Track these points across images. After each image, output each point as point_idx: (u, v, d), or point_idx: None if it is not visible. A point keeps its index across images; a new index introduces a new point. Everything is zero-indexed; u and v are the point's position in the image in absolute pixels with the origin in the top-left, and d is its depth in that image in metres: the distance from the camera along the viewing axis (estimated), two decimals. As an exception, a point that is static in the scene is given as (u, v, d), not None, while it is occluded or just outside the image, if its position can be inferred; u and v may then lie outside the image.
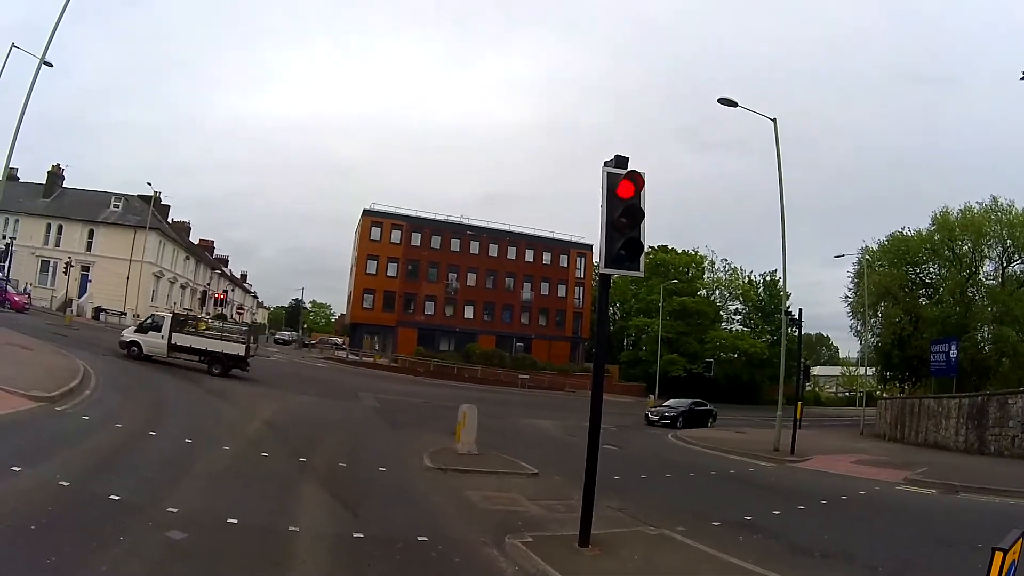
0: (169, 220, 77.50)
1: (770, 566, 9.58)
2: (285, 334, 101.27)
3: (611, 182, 9.78)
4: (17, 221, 62.04)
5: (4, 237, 58.04)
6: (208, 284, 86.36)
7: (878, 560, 10.91)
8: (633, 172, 9.75)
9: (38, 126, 77.18)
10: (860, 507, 16.75)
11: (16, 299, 49.46)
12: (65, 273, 60.12)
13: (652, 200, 9.96)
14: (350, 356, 74.20)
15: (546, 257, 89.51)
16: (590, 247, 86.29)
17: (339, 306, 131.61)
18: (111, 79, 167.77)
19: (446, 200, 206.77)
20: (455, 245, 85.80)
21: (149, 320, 35.65)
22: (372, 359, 72.55)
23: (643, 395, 62.25)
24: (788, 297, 39.09)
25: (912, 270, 54.93)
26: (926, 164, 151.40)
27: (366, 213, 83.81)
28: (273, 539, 9.17)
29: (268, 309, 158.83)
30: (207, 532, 9.06)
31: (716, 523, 13.00)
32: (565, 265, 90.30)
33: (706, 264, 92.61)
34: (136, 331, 34.94)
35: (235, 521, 9.59)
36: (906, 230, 55.19)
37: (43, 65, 26.89)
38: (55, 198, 66.35)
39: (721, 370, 72.10)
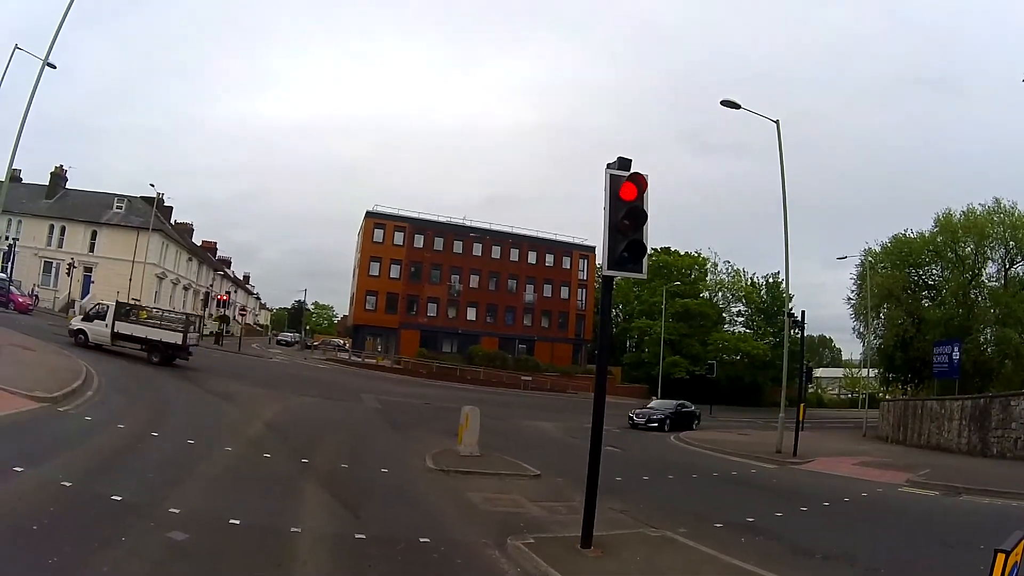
0: (172, 222, 77.47)
1: (772, 568, 9.59)
2: (287, 335, 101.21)
3: (614, 184, 9.78)
4: (20, 222, 61.96)
5: (7, 238, 58.04)
6: (211, 286, 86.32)
7: (880, 562, 10.91)
8: (636, 174, 9.75)
9: (42, 128, 77.56)
10: (862, 509, 16.73)
11: (20, 300, 49.40)
12: (68, 274, 60.12)
13: (655, 202, 9.97)
14: (352, 357, 74.11)
15: (549, 259, 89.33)
16: (593, 249, 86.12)
17: (342, 308, 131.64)
18: (114, 82, 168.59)
19: (449, 202, 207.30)
20: (458, 247, 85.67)
21: (94, 309, 36.25)
22: (374, 360, 72.49)
23: (646, 397, 62.21)
24: (791, 299, 39.14)
25: (915, 272, 54.78)
26: (929, 167, 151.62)
27: (369, 215, 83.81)
28: (275, 540, 9.18)
29: (271, 311, 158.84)
30: (209, 533, 9.07)
31: (718, 525, 12.99)
32: (568, 267, 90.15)
33: (709, 266, 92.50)
34: (83, 320, 35.52)
35: (237, 522, 9.59)
36: (909, 232, 55.08)
37: (46, 67, 26.88)
38: (58, 199, 66.39)
39: (724, 372, 71.79)
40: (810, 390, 66.33)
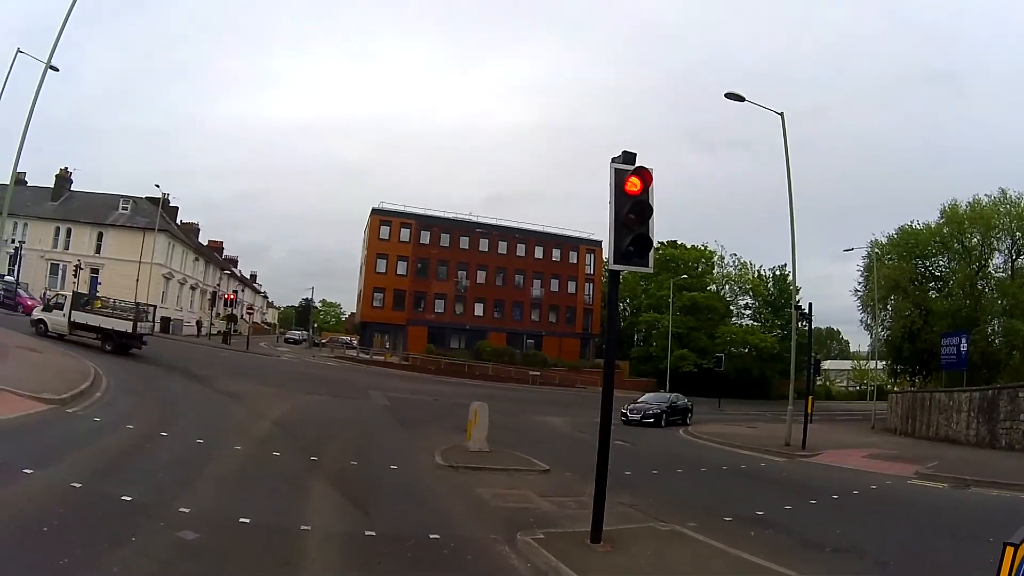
0: (178, 222, 77.49)
1: (781, 561, 9.56)
2: (295, 333, 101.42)
3: (619, 178, 9.74)
4: (26, 225, 62.07)
5: (13, 241, 58.15)
6: (218, 285, 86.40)
7: (889, 554, 10.89)
8: (641, 168, 9.72)
9: (46, 131, 77.13)
10: (871, 501, 16.72)
11: (29, 303, 49.52)
12: (74, 276, 60.13)
13: (660, 197, 9.95)
14: (360, 355, 74.38)
15: (555, 254, 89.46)
16: (599, 243, 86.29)
17: (349, 305, 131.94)
18: (118, 84, 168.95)
19: (454, 200, 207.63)
20: (464, 243, 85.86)
21: (54, 300, 37.15)
22: (383, 358, 72.73)
23: (654, 390, 62.24)
24: (798, 291, 39.14)
25: (921, 263, 54.60)
26: (932, 164, 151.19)
27: (375, 212, 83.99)
28: (284, 538, 9.19)
29: (278, 309, 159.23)
30: (219, 532, 9.08)
31: (727, 518, 12.99)
32: (575, 261, 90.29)
33: (716, 259, 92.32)
34: (43, 310, 36.58)
35: (247, 521, 9.61)
36: (915, 223, 54.90)
37: (49, 69, 26.91)
38: (63, 201, 66.49)
39: (732, 365, 71.64)
40: (818, 382, 65.99)
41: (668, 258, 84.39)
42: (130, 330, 35.08)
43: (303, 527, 9.75)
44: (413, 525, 10.74)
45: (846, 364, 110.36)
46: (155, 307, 41.62)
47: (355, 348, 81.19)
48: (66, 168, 68.34)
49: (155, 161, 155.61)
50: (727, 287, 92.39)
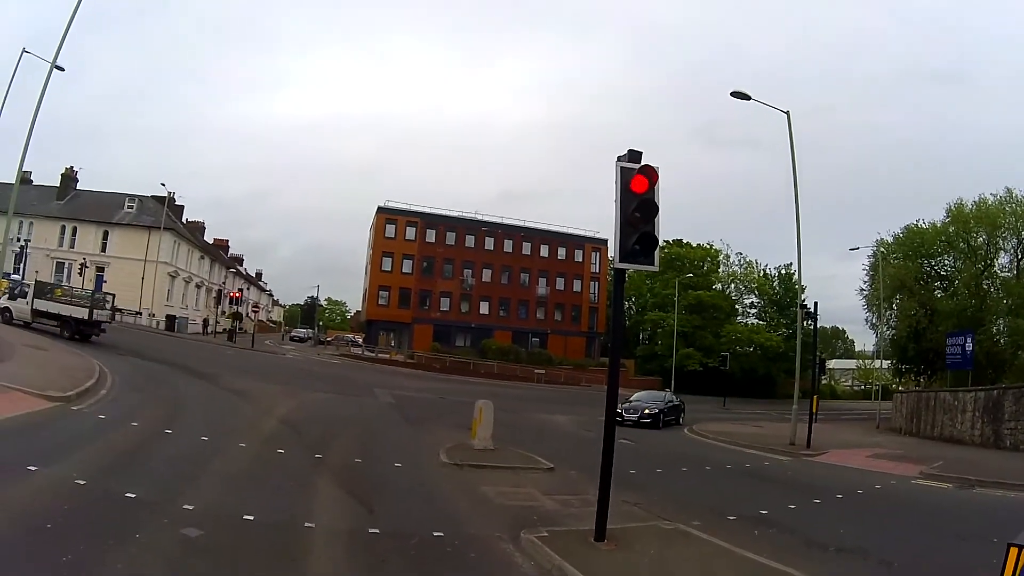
0: (183, 220, 77.74)
1: (785, 560, 9.55)
2: (301, 331, 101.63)
3: (625, 177, 9.74)
4: (31, 224, 62.38)
5: (19, 239, 58.29)
6: (223, 283, 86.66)
7: (893, 555, 10.86)
8: (647, 166, 9.71)
9: (54, 131, 77.47)
10: (876, 501, 16.70)
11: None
12: (80, 274, 60.21)
13: (666, 195, 9.91)
14: (366, 353, 74.42)
15: (561, 252, 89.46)
16: (605, 242, 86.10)
17: (355, 303, 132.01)
18: (130, 86, 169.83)
19: (461, 198, 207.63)
20: (470, 241, 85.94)
21: (18, 289, 38.44)
22: (388, 355, 72.84)
23: (659, 389, 62.18)
24: (803, 290, 39.00)
25: (927, 263, 54.46)
26: (940, 160, 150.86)
27: (381, 210, 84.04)
28: (289, 535, 9.19)
29: (284, 307, 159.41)
30: (223, 529, 9.09)
31: (732, 517, 12.98)
32: (580, 260, 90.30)
33: (721, 258, 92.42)
34: (8, 298, 37.65)
35: (251, 518, 9.62)
36: (921, 222, 54.83)
37: (55, 69, 26.95)
38: (69, 200, 66.76)
39: (737, 364, 71.53)
40: (823, 382, 66.13)
41: (674, 257, 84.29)
42: (86, 317, 36.24)
43: (307, 524, 9.76)
44: (417, 523, 10.76)
45: (851, 363, 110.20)
46: (113, 296, 42.64)
47: (360, 346, 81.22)
48: (72, 167, 68.77)
49: (165, 161, 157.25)
50: (732, 286, 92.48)
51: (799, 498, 16.18)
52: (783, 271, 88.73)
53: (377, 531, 9.91)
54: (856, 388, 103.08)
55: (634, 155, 9.88)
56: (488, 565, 9.08)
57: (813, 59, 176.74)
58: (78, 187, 68.60)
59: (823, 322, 52.21)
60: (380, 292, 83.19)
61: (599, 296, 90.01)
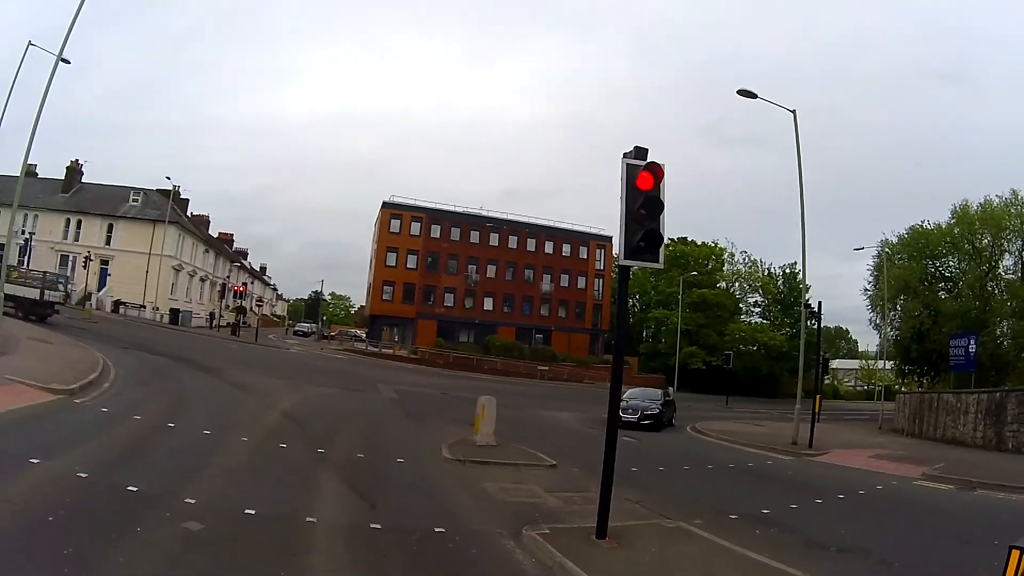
0: (188, 214, 77.75)
1: (786, 560, 9.54)
2: (304, 326, 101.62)
3: (630, 173, 9.73)
4: (36, 217, 62.50)
5: (23, 232, 58.40)
6: (227, 277, 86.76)
7: (894, 556, 10.84)
8: (653, 163, 9.70)
9: (59, 125, 77.54)
10: (877, 502, 16.68)
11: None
12: (84, 267, 60.41)
13: (671, 194, 9.92)
14: (369, 348, 74.39)
15: (565, 249, 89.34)
16: (609, 239, 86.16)
17: (359, 298, 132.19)
18: (133, 79, 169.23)
19: (465, 195, 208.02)
20: (474, 237, 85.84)
21: None
22: (391, 351, 72.80)
23: (662, 387, 62.22)
24: (807, 290, 38.92)
25: (931, 264, 54.38)
26: (943, 160, 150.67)
27: (385, 206, 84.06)
28: (290, 530, 9.19)
29: (288, 302, 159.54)
30: (224, 523, 9.11)
31: (733, 516, 12.98)
32: (584, 257, 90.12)
33: (726, 256, 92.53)
34: None
35: (252, 512, 9.62)
36: (926, 223, 54.72)
37: (61, 62, 26.91)
38: (74, 193, 66.87)
39: (740, 362, 71.56)
40: (826, 382, 66.11)
41: (678, 254, 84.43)
42: (38, 297, 37.57)
43: (309, 519, 9.76)
44: (419, 518, 10.78)
45: (854, 364, 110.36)
46: (67, 278, 43.70)
47: (364, 341, 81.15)
48: (77, 160, 68.89)
49: (172, 156, 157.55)
50: (737, 284, 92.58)
51: (801, 498, 16.20)
52: (787, 270, 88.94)
53: (379, 526, 9.91)
54: (859, 388, 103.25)
55: (640, 152, 9.87)
56: (489, 561, 9.08)
57: (815, 59, 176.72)
58: (83, 180, 68.73)
59: (827, 322, 52.37)
60: (384, 287, 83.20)
61: (603, 293, 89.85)
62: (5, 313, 33.71)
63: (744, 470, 21.40)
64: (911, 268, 52.19)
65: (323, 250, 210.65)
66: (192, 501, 9.71)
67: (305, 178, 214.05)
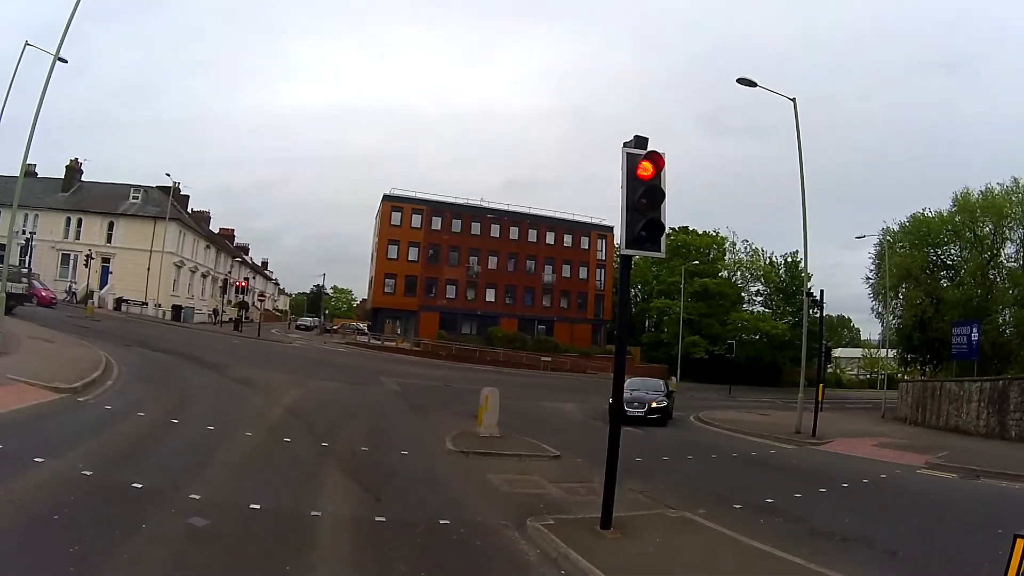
0: (189, 210, 77.63)
1: (790, 549, 9.54)
2: (307, 320, 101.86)
3: (631, 163, 9.71)
4: (36, 216, 62.40)
5: (24, 232, 58.36)
6: (229, 272, 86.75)
7: (898, 544, 10.84)
8: (653, 152, 9.69)
9: (58, 123, 77.86)
10: (881, 491, 16.64)
11: (43, 294, 49.86)
12: (85, 266, 60.41)
13: (672, 182, 9.92)
14: (372, 341, 74.59)
15: (567, 239, 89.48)
16: (611, 229, 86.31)
17: (361, 292, 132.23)
18: (132, 76, 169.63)
19: (467, 186, 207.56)
20: (476, 228, 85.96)
21: None
22: (394, 343, 72.98)
23: (665, 377, 62.33)
24: (809, 278, 38.97)
25: (933, 252, 54.12)
26: (945, 149, 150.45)
27: (386, 198, 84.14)
28: (295, 524, 9.22)
29: (290, 296, 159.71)
30: (229, 518, 9.14)
31: (737, 506, 13.00)
32: (586, 247, 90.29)
33: (727, 245, 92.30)
34: None
35: (257, 507, 9.67)
36: (927, 211, 54.49)
37: (58, 61, 26.83)
38: (74, 192, 66.76)
39: (743, 352, 71.47)
40: (829, 370, 65.90)
41: (680, 244, 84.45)
42: None
43: (313, 513, 9.78)
44: (424, 511, 10.77)
45: (857, 352, 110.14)
46: (29, 269, 42.73)
47: (366, 334, 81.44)
48: (76, 159, 68.73)
49: (171, 152, 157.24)
50: (739, 273, 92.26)
51: (804, 487, 16.16)
52: (789, 259, 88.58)
53: (383, 519, 9.94)
54: (861, 377, 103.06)
55: (640, 141, 9.85)
56: (494, 553, 9.11)
57: (818, 48, 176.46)
58: (83, 179, 68.62)
59: (829, 310, 52.47)
60: (386, 280, 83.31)
61: (605, 283, 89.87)
62: None
63: (748, 459, 21.41)
64: (913, 256, 52.02)
65: (324, 244, 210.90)
66: (197, 497, 9.72)
67: (306, 172, 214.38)
